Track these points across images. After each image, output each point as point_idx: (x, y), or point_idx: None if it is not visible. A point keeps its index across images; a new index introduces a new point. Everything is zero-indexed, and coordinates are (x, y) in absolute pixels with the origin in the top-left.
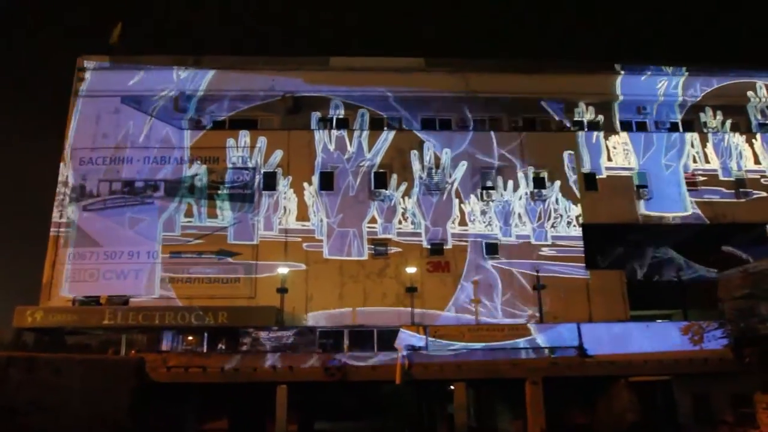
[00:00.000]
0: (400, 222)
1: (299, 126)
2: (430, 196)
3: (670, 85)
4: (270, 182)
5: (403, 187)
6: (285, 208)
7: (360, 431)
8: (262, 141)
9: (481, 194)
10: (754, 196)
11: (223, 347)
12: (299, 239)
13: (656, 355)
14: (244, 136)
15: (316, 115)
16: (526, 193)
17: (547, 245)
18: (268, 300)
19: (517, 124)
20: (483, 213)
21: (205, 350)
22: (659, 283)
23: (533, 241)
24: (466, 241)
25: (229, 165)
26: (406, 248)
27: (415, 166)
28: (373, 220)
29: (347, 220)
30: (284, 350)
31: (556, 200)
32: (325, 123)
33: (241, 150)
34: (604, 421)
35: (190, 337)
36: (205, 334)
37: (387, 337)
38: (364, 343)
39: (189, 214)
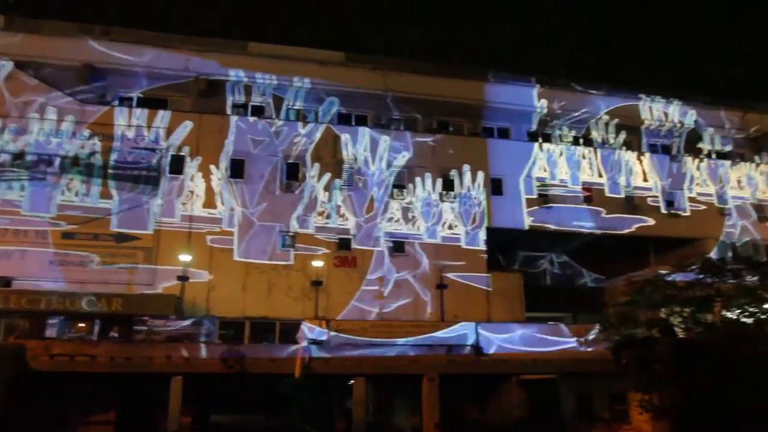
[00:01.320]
0: (309, 216)
1: (212, 110)
2: (342, 191)
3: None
4: (176, 166)
5: (315, 181)
6: (192, 193)
7: (258, 425)
8: (171, 122)
9: (393, 192)
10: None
11: (116, 335)
12: (204, 228)
13: (546, 355)
14: (152, 116)
15: (230, 101)
16: (436, 194)
17: (452, 246)
18: (167, 288)
19: (431, 125)
20: (393, 211)
21: (95, 338)
22: (553, 288)
23: (440, 241)
24: (375, 238)
25: (133, 145)
26: (314, 242)
27: (330, 160)
28: (288, 212)
29: (267, 213)
30: (181, 340)
31: (464, 203)
32: (240, 109)
33: (148, 130)
34: (494, 416)
35: (81, 324)
36: (97, 322)
37: (289, 330)
38: (266, 336)
39: (85, 193)
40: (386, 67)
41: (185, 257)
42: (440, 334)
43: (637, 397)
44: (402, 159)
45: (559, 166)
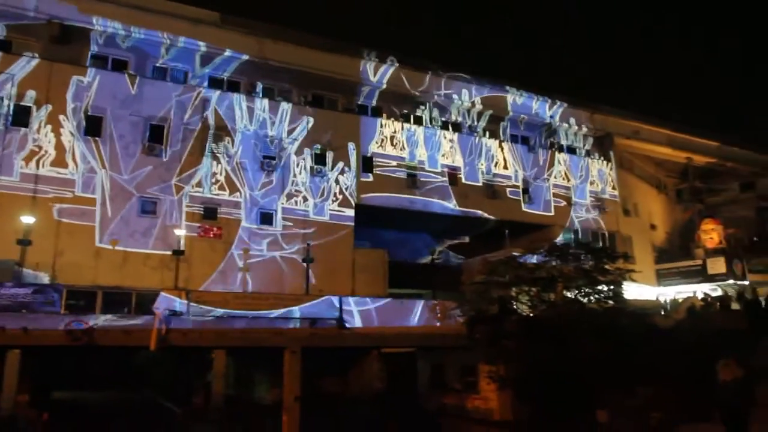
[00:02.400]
0: (172, 181)
1: (66, 59)
2: (210, 159)
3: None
4: (21, 118)
5: (181, 145)
6: (40, 149)
7: (108, 401)
8: (15, 67)
9: (263, 164)
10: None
11: None
12: (51, 188)
13: (406, 329)
14: None
15: (88, 51)
16: (308, 168)
17: (319, 220)
18: (5, 253)
19: (306, 98)
20: (264, 182)
21: None
22: (416, 265)
23: (311, 216)
24: (241, 209)
25: None
26: (177, 209)
27: (197, 125)
28: (150, 177)
29: (127, 176)
30: (19, 310)
31: (336, 179)
32: (100, 61)
33: None
34: (355, 388)
35: None
36: None
37: (146, 301)
38: (120, 306)
39: None
40: (262, 33)
41: (27, 219)
42: (304, 307)
43: (486, 369)
44: (275, 130)
45: (421, 147)
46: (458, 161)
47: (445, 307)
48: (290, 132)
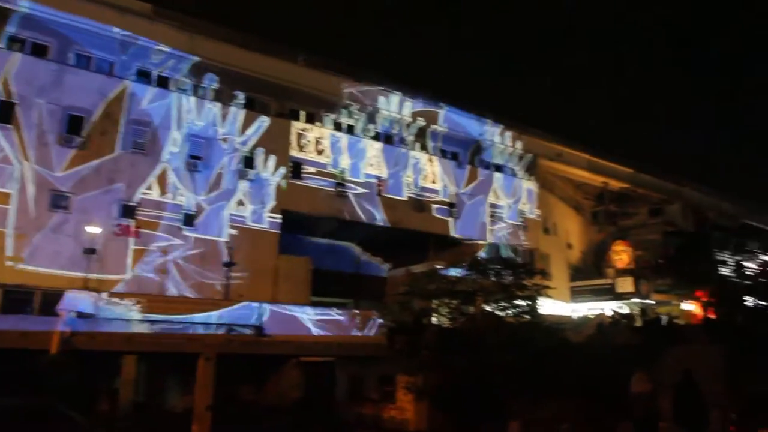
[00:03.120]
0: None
1: None
2: (133, 154)
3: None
4: None
5: (99, 140)
6: None
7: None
8: None
9: (189, 164)
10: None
11: None
12: None
13: (326, 338)
14: None
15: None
16: (235, 171)
17: (243, 225)
18: None
19: (237, 99)
20: (186, 182)
21: None
22: (340, 274)
23: (236, 219)
24: (163, 209)
25: None
26: (94, 205)
27: (120, 118)
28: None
29: (39, 168)
30: None
31: (263, 183)
32: (17, 44)
33: None
34: (271, 397)
35: None
36: None
37: (52, 301)
38: (22, 307)
39: None
40: (196, 29)
41: None
42: (222, 312)
43: (404, 379)
44: (202, 129)
45: (349, 156)
46: (386, 172)
47: (368, 316)
48: (219, 133)
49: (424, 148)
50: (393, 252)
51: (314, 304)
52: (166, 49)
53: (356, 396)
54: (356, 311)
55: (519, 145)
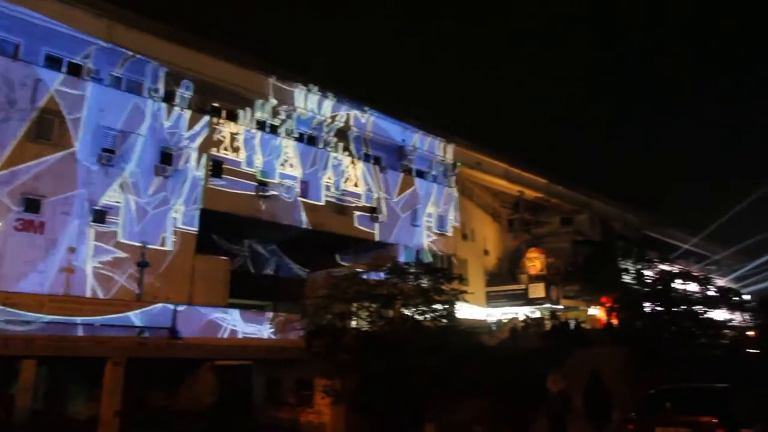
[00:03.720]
0: None
1: None
2: (40, 144)
3: (317, 103)
4: None
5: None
6: None
7: None
8: None
9: (101, 157)
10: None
11: None
12: None
13: (243, 341)
14: None
15: None
16: (152, 167)
17: (160, 222)
18: None
19: (156, 92)
20: (100, 177)
21: None
22: (260, 276)
23: (148, 216)
24: (71, 203)
25: None
26: None
27: (26, 107)
28: None
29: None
30: None
31: (180, 179)
32: None
33: None
34: (184, 402)
35: None
36: None
37: None
38: None
39: None
40: (116, 17)
41: None
42: (133, 314)
43: (322, 383)
44: (117, 121)
45: (263, 154)
46: (305, 173)
47: (287, 319)
48: (132, 125)
49: (347, 150)
50: (314, 254)
51: (232, 306)
52: (80, 35)
53: (273, 400)
54: (275, 314)
55: (441, 152)
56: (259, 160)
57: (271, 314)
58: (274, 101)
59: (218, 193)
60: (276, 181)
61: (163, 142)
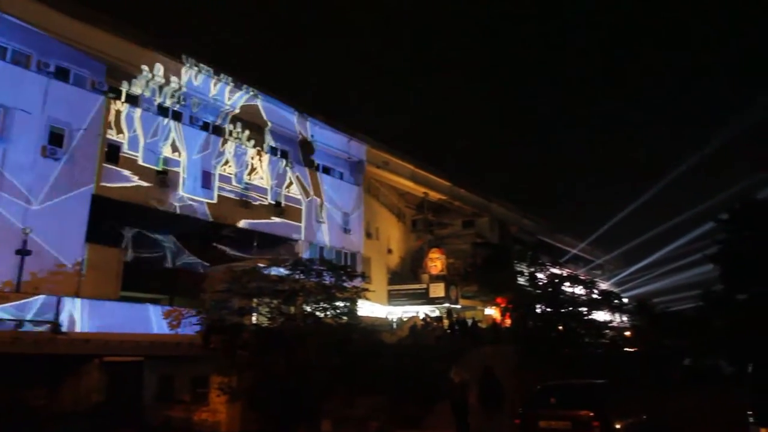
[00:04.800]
0: None
1: None
2: None
3: (221, 90)
4: None
5: None
6: None
7: None
8: None
9: None
10: (256, 205)
11: None
12: None
13: (134, 336)
14: None
15: None
16: (39, 148)
17: (45, 207)
18: None
19: (47, 67)
20: None
21: None
22: (155, 268)
23: (37, 203)
24: None
25: None
26: None
27: None
28: None
29: None
30: None
31: (73, 162)
32: None
33: None
34: (67, 401)
35: None
36: None
37: None
38: None
39: None
40: None
41: None
42: (10, 306)
43: (218, 380)
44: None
45: (173, 144)
46: (211, 165)
47: (182, 314)
48: (19, 100)
49: (251, 140)
50: (215, 248)
51: (125, 299)
52: None
53: (166, 398)
54: (171, 308)
55: (348, 149)
56: (159, 147)
57: (167, 308)
58: (176, 85)
59: (112, 179)
60: (177, 170)
61: (53, 121)
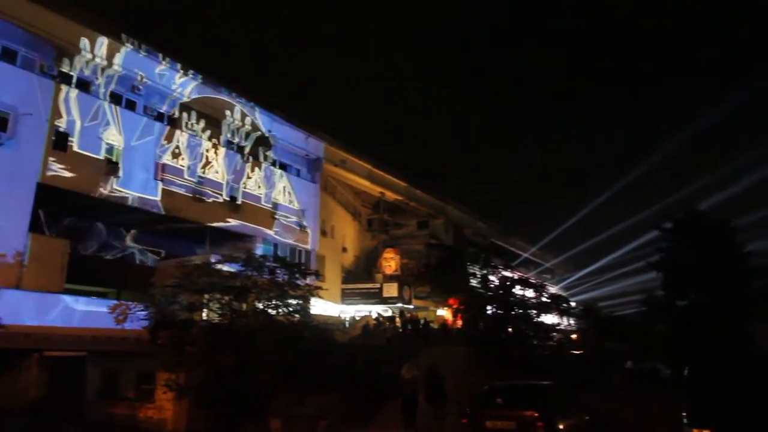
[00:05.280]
0: None
1: None
2: None
3: (170, 78)
4: None
5: None
6: None
7: None
8: None
9: None
10: (210, 200)
11: None
12: None
13: (78, 331)
14: None
15: None
16: None
17: None
18: None
19: None
20: None
21: None
22: (103, 260)
23: None
24: None
25: None
26: None
27: None
28: None
29: None
30: None
31: (18, 148)
32: None
33: None
34: (5, 398)
35: None
36: None
37: None
38: None
39: None
40: None
41: None
42: None
43: (164, 376)
44: None
45: (116, 130)
46: (163, 157)
47: (129, 308)
48: None
49: (205, 131)
50: (167, 242)
51: (70, 292)
52: None
53: (109, 395)
54: (118, 302)
55: (306, 146)
56: (109, 135)
57: (114, 302)
58: (130, 73)
59: (59, 167)
60: (128, 159)
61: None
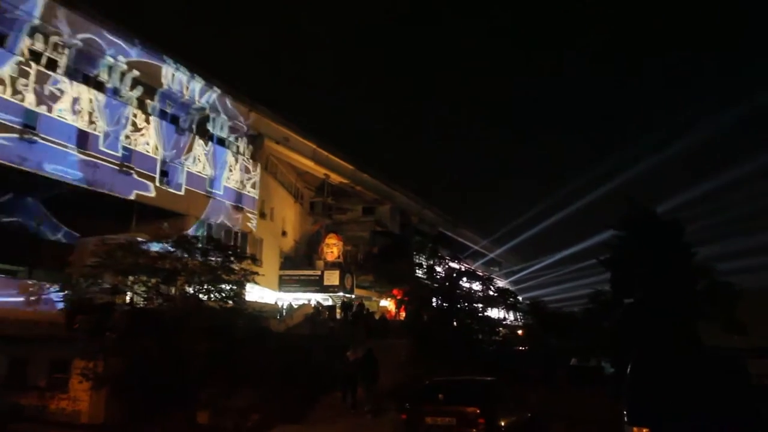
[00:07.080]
0: None
1: None
2: None
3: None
4: None
5: None
6: None
7: None
8: None
9: None
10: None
11: None
12: None
13: None
14: None
15: None
16: None
17: None
18: None
19: None
20: None
21: None
22: (13, 235)
23: None
24: None
25: None
26: None
27: None
28: None
29: None
30: None
31: None
32: None
33: None
34: None
35: None
36: None
37: None
38: None
39: None
40: None
41: None
42: None
43: (81, 364)
44: None
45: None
46: (96, 126)
47: (43, 289)
48: None
49: (141, 104)
50: (89, 217)
51: None
52: None
53: (17, 384)
54: (30, 281)
55: (246, 120)
56: (26, 99)
57: (25, 281)
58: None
59: None
60: (48, 124)
61: None
